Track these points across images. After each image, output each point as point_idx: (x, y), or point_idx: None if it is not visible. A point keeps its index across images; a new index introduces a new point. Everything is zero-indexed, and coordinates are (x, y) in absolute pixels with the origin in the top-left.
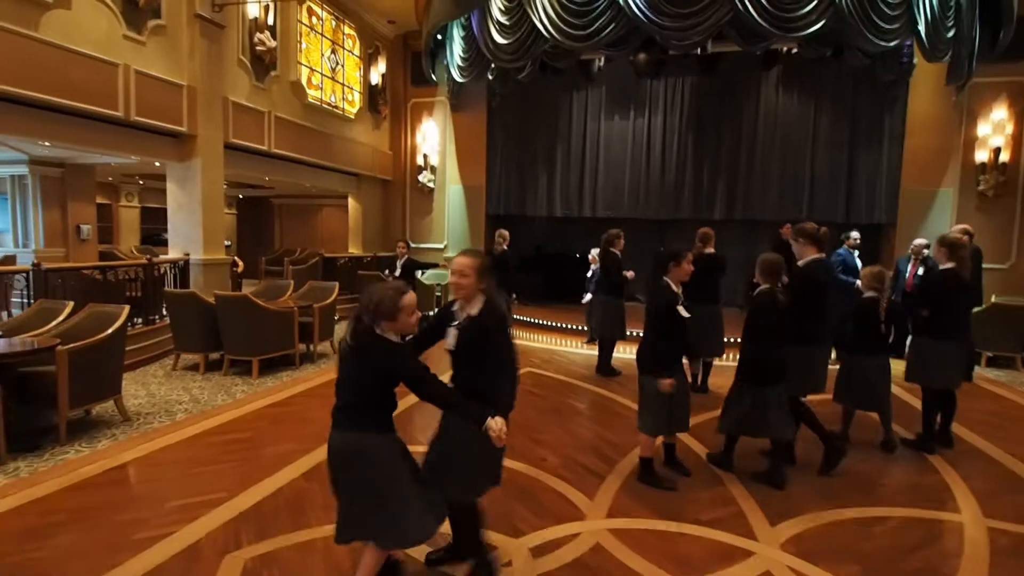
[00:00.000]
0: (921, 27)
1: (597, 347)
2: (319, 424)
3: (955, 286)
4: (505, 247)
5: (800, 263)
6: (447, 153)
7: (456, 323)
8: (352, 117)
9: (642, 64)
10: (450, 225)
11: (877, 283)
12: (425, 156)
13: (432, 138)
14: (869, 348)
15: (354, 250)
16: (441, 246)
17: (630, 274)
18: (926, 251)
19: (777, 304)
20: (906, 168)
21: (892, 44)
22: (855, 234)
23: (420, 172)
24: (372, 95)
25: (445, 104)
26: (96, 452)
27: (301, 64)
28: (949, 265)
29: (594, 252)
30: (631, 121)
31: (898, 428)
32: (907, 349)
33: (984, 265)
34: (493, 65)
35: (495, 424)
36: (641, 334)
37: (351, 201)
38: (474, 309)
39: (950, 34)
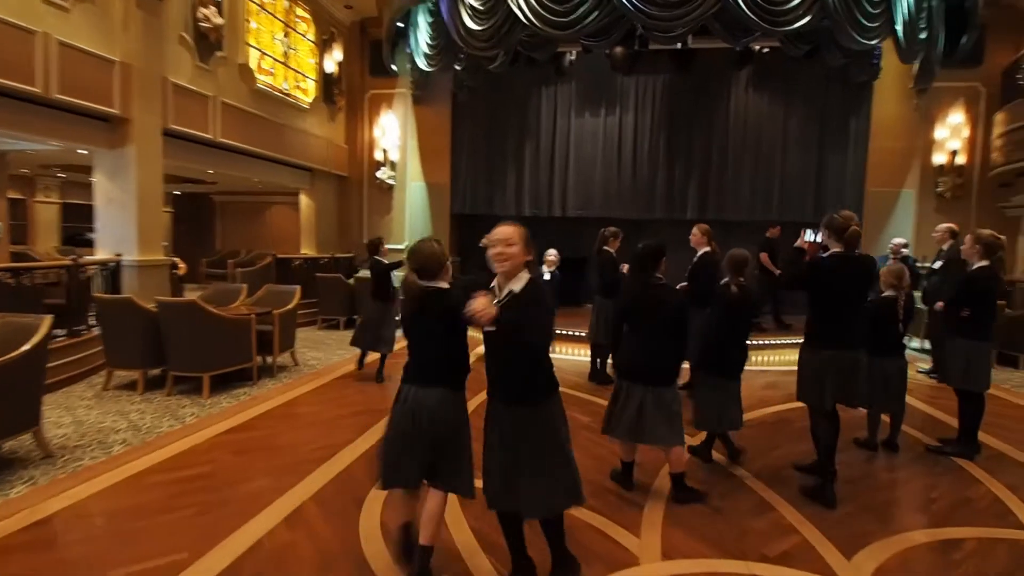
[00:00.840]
0: (899, 27)
1: (589, 352)
2: (292, 453)
3: (995, 285)
4: None
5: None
6: (408, 148)
7: (496, 300)
8: (306, 107)
9: (619, 58)
10: (411, 224)
11: (896, 281)
12: (384, 151)
13: (392, 132)
14: (888, 348)
15: (307, 251)
16: (401, 247)
17: (626, 267)
18: (904, 250)
19: (730, 297)
20: (871, 170)
21: (872, 43)
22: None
23: (379, 168)
24: (327, 85)
25: (406, 96)
26: (9, 502)
27: (250, 46)
28: (984, 263)
29: (552, 253)
30: (602, 118)
31: (911, 431)
32: (936, 351)
33: None
34: (463, 54)
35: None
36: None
37: (303, 198)
38: (517, 285)
39: (923, 35)
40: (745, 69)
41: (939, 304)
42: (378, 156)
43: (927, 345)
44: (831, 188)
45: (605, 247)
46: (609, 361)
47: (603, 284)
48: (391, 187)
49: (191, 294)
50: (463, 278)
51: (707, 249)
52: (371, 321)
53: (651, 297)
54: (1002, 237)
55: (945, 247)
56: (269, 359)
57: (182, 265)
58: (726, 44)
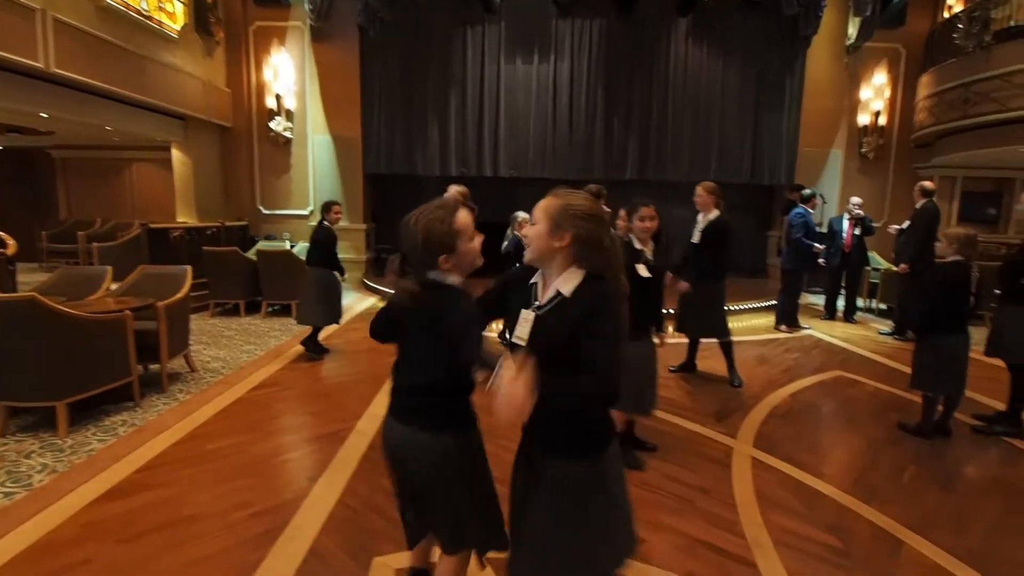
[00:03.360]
0: None
1: None
2: (214, 531)
3: None
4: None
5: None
6: (308, 95)
7: (536, 305)
8: (173, 36)
9: None
10: (317, 186)
11: (967, 248)
12: (278, 97)
13: (287, 75)
14: (959, 324)
15: (186, 219)
16: (306, 212)
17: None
18: (860, 211)
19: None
20: (804, 129)
21: None
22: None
23: (271, 118)
24: (200, 10)
25: (302, 31)
26: None
27: None
28: None
29: (522, 215)
30: (535, 66)
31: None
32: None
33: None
34: None
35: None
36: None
37: (176, 153)
38: (567, 285)
39: None
40: (686, 19)
41: (903, 266)
42: (270, 103)
43: (873, 305)
44: (768, 148)
45: None
46: None
47: None
48: (288, 141)
49: (28, 280)
50: (507, 273)
51: (717, 213)
52: (313, 291)
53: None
54: None
55: (918, 205)
56: (155, 367)
57: (11, 242)
58: None
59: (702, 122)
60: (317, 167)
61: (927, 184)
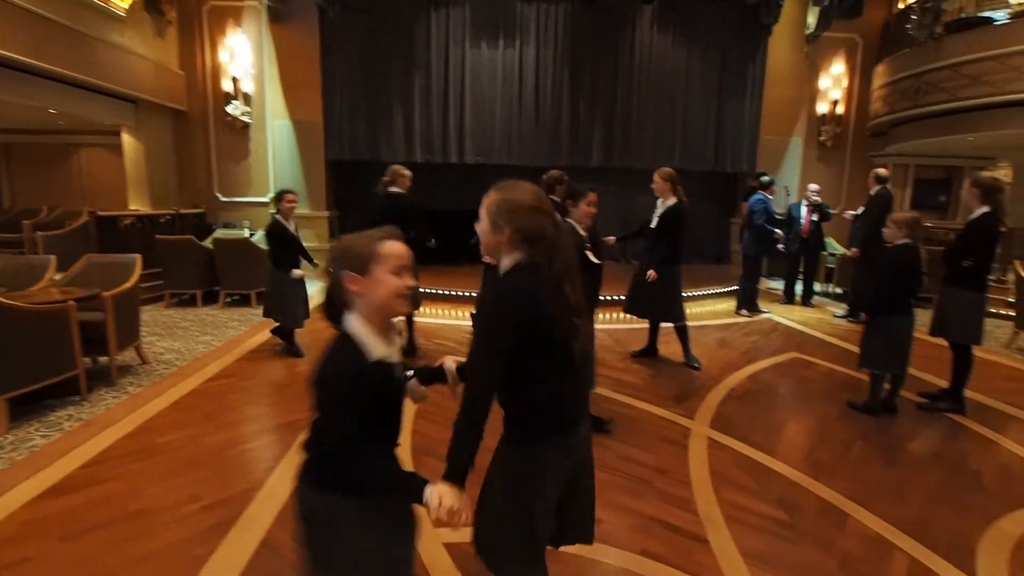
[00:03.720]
0: None
1: None
2: (164, 524)
3: (997, 232)
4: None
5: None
6: (267, 77)
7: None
8: (121, 15)
9: None
10: (277, 172)
11: (914, 231)
12: (235, 80)
13: (243, 57)
14: (906, 305)
15: (138, 206)
16: (266, 199)
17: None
18: (817, 197)
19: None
20: (765, 118)
21: None
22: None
23: (228, 102)
24: None
25: (259, 12)
26: None
27: None
28: (984, 209)
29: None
30: (500, 51)
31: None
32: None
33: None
34: None
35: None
36: None
37: (127, 138)
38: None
39: None
40: (651, 5)
41: (854, 250)
42: (227, 87)
43: (830, 290)
44: (730, 135)
45: (552, 196)
46: None
47: None
48: (247, 126)
49: None
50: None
51: (675, 199)
52: (276, 292)
53: None
54: (1000, 179)
55: (872, 192)
56: (104, 360)
57: None
58: None
59: (667, 109)
60: (277, 153)
61: (881, 171)
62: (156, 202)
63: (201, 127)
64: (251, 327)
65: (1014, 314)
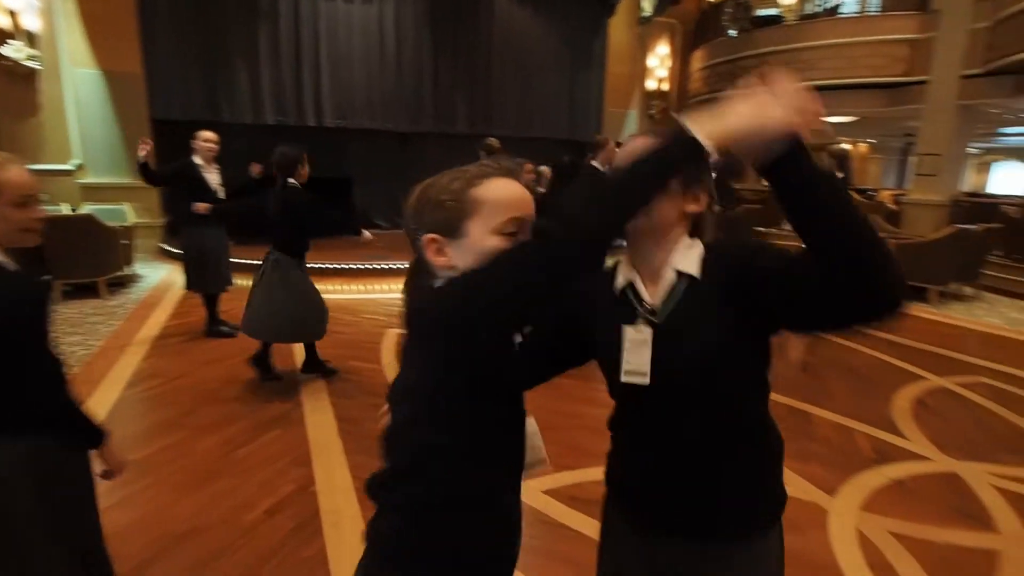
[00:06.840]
0: None
1: None
2: (229, 539)
3: None
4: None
5: None
6: (59, 13)
7: (644, 308)
8: None
9: None
10: (84, 133)
11: None
12: (12, 15)
13: None
14: None
15: None
16: (70, 167)
17: None
18: None
19: None
20: (608, 92)
21: None
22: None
23: (4, 41)
24: None
25: None
26: None
27: None
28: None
29: (545, 168)
30: (357, 5)
31: None
32: None
33: None
34: None
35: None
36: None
37: None
38: (685, 260)
39: None
40: None
41: None
42: (1, 22)
43: None
44: (580, 107)
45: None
46: None
47: None
48: (33, 73)
49: None
50: None
51: None
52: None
53: None
54: (847, 147)
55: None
56: None
57: None
58: None
59: (523, 78)
60: (83, 110)
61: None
62: None
63: None
64: (127, 317)
65: None
